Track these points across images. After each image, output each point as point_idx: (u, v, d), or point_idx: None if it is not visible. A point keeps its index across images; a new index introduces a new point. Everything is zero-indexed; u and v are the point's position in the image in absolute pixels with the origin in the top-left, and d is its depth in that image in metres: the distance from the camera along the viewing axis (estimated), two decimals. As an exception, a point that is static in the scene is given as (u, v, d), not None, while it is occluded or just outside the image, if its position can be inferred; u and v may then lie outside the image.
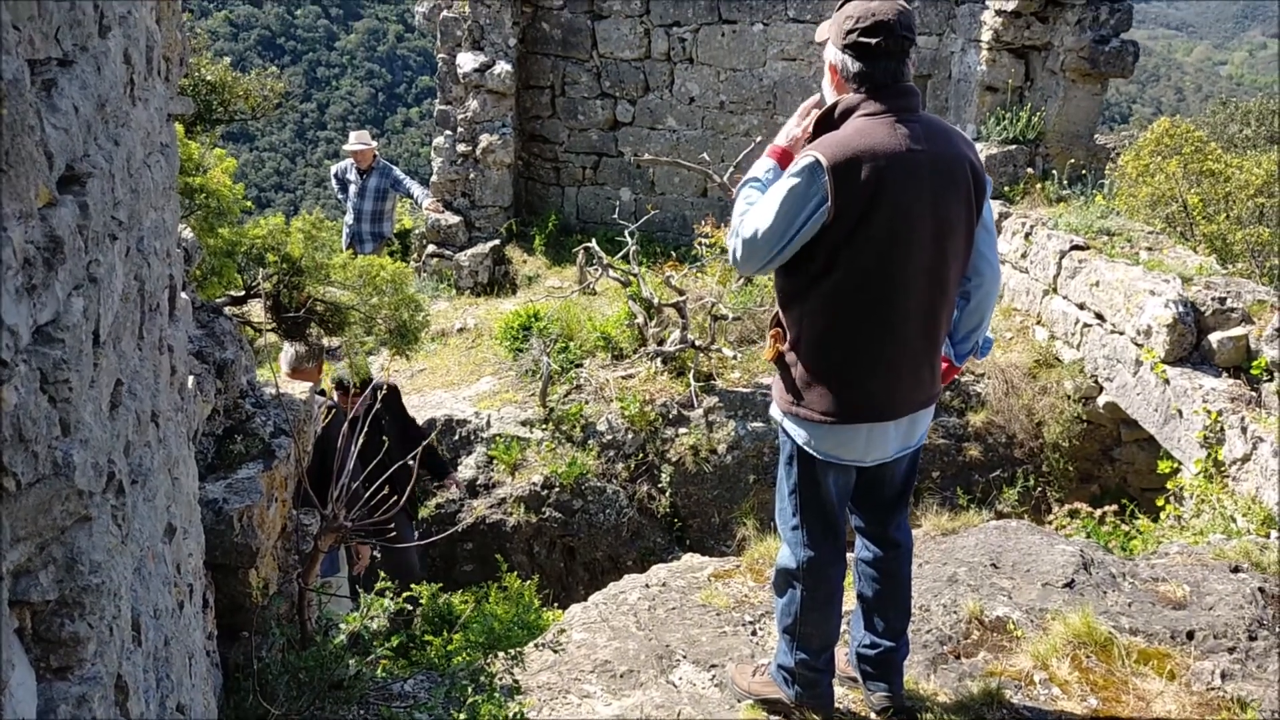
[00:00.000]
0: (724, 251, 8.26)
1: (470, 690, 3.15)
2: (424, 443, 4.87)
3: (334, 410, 5.27)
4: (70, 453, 1.36)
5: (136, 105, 2.13)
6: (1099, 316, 7.02)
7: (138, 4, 2.18)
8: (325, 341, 6.02)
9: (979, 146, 8.88)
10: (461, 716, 2.96)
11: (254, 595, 3.43)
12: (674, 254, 10.06)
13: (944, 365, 3.29)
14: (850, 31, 2.95)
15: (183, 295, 2.93)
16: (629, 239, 8.42)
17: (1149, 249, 7.24)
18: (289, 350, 5.67)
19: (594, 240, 9.14)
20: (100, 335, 1.60)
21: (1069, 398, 7.12)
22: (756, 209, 2.99)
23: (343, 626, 3.55)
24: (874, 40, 2.91)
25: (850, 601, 3.55)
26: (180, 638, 2.35)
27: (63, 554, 1.37)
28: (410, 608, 3.58)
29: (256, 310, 5.89)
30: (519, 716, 3.07)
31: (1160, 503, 6.14)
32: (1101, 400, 7.02)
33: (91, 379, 1.53)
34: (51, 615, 1.36)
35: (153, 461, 2.08)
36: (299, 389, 4.37)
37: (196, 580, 2.80)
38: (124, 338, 1.86)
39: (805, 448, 3.14)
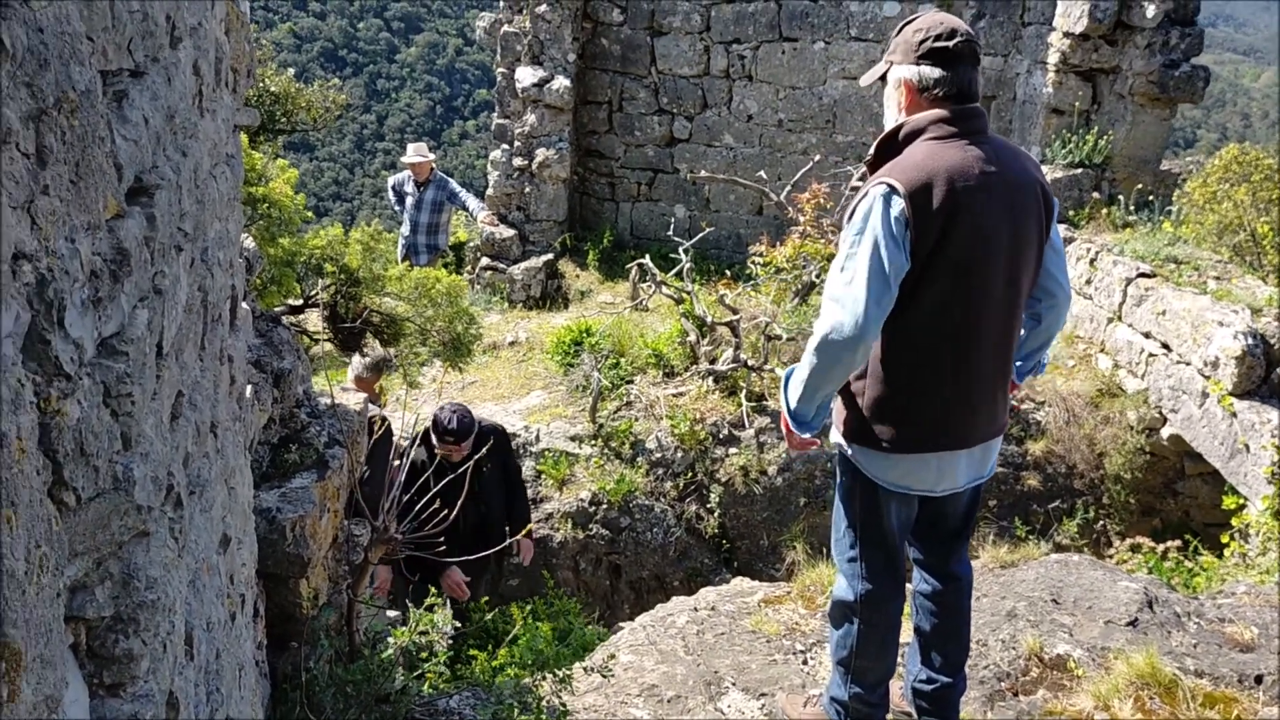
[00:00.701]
0: (789, 288, 8.20)
1: (517, 710, 3.11)
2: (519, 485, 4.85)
3: (385, 423, 5.25)
4: (131, 467, 1.34)
5: (204, 116, 2.14)
6: (1165, 346, 6.86)
7: (208, 15, 2.18)
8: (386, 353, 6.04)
9: (1043, 169, 8.74)
10: (508, 738, 2.91)
11: (304, 605, 3.42)
12: (728, 272, 10.00)
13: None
14: (924, 41, 2.89)
15: (243, 305, 2.94)
16: (683, 256, 8.38)
17: (1217, 278, 7.06)
18: (358, 360, 5.75)
19: (647, 256, 9.11)
20: (163, 347, 1.59)
21: (1132, 428, 6.96)
22: (848, 275, 2.81)
23: (391, 641, 3.53)
24: (951, 43, 2.86)
25: (907, 634, 3.47)
26: (231, 649, 2.34)
27: (119, 570, 1.35)
28: (459, 624, 3.56)
29: (313, 320, 5.93)
30: (566, 740, 3.03)
31: (1225, 539, 5.96)
32: (1165, 432, 6.85)
33: (154, 391, 1.52)
34: (106, 632, 1.34)
35: (210, 472, 2.07)
36: (354, 400, 4.38)
37: (248, 590, 2.79)
38: (186, 349, 1.85)
39: (872, 478, 3.06)
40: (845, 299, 2.77)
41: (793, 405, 2.99)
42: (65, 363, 1.15)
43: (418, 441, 5.05)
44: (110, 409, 1.29)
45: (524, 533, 5.68)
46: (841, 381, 2.92)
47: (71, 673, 1.25)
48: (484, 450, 4.56)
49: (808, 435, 3.02)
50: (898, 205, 2.77)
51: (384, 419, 5.09)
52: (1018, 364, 3.25)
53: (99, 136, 1.27)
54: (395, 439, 4.95)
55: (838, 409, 3.17)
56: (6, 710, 1.00)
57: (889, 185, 2.80)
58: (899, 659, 3.47)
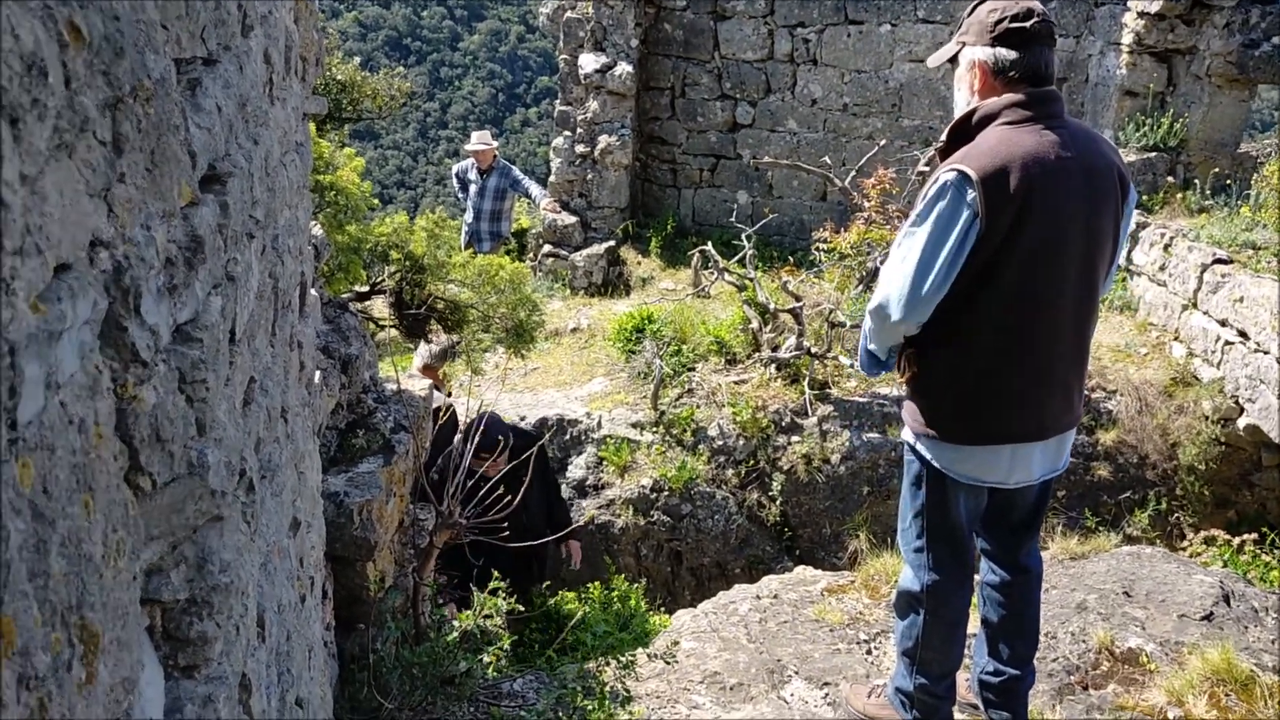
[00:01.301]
0: (853, 274, 8.11)
1: (580, 695, 3.12)
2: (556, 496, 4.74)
3: (451, 410, 5.27)
4: (205, 452, 1.35)
5: (275, 104, 2.16)
6: (1242, 334, 6.67)
7: (278, 4, 2.20)
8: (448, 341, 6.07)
9: (1115, 153, 8.54)
10: (571, 723, 2.93)
11: (370, 588, 3.46)
12: (791, 259, 9.92)
13: None
14: (999, 22, 2.82)
15: (312, 292, 2.97)
16: (745, 243, 8.33)
17: (1298, 264, 6.84)
18: (425, 348, 5.79)
19: (709, 243, 9.08)
20: (236, 334, 1.61)
21: (1207, 418, 6.78)
22: (902, 251, 2.83)
23: (455, 624, 3.56)
24: (1028, 24, 2.79)
25: (974, 625, 3.41)
26: (301, 631, 2.37)
27: (194, 553, 1.37)
28: (522, 608, 3.58)
29: (379, 305, 5.99)
30: (629, 726, 3.03)
31: (1304, 533, 5.79)
32: (1242, 422, 6.66)
33: (227, 378, 1.54)
34: (181, 614, 1.36)
35: (281, 457, 2.10)
36: (419, 386, 4.41)
37: (317, 573, 2.83)
38: (258, 335, 1.87)
39: (942, 470, 3.01)
40: (895, 278, 2.80)
41: (866, 345, 3.13)
42: (141, 349, 1.16)
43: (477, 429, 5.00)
44: (185, 395, 1.31)
45: (561, 532, 5.65)
46: (895, 341, 3.02)
47: (147, 655, 1.27)
48: (510, 454, 4.50)
49: (881, 373, 3.16)
50: (968, 193, 2.72)
51: (450, 407, 5.13)
52: None
53: (174, 124, 1.28)
54: (460, 426, 4.95)
55: (908, 402, 3.12)
56: (84, 691, 1.02)
57: (960, 172, 2.74)
58: (966, 651, 3.42)
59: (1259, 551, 5.65)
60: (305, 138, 2.76)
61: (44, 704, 0.93)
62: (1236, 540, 5.74)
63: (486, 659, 4.02)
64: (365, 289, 5.36)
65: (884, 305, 2.86)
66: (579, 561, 6.01)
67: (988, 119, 2.86)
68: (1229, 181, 8.29)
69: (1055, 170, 2.75)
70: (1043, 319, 2.85)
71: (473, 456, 4.99)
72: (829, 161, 9.91)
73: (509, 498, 3.81)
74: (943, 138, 2.98)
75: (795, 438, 7.19)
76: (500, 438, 4.92)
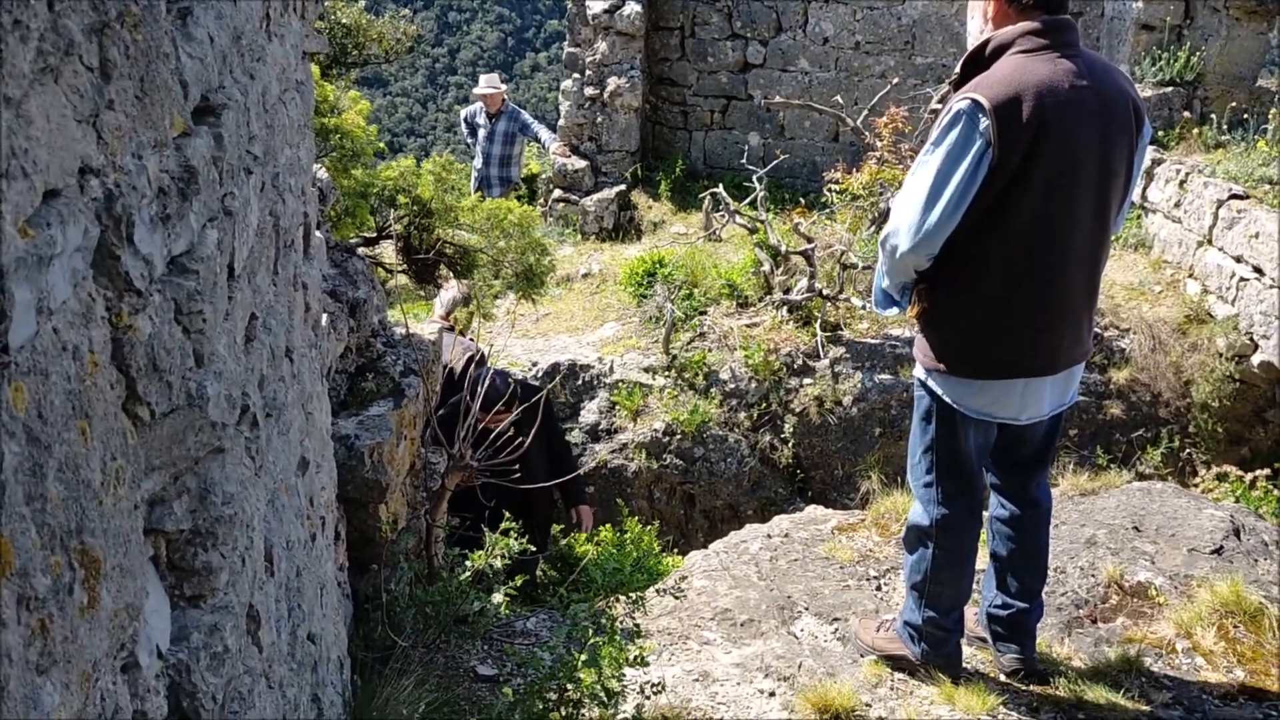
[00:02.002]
0: (865, 215, 8.05)
1: (591, 631, 3.15)
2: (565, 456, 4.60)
3: (481, 354, 5.18)
4: (204, 384, 1.36)
5: (272, 40, 2.13)
6: (1257, 270, 6.60)
7: (273, -63, 2.17)
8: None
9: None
10: (582, 656, 2.96)
11: (383, 530, 3.49)
12: (802, 201, 9.84)
13: None
14: None
15: (317, 234, 2.97)
16: (756, 185, 8.27)
17: (1316, 199, 6.75)
18: (445, 295, 5.63)
19: (720, 186, 9.01)
20: (235, 269, 1.61)
21: (1221, 355, 6.74)
22: (913, 182, 2.81)
23: (467, 564, 3.60)
24: None
25: (983, 560, 3.43)
26: (312, 568, 2.40)
27: (196, 484, 1.38)
28: (533, 549, 3.61)
29: (388, 251, 5.99)
30: (639, 659, 3.07)
31: (1317, 469, 5.78)
32: (1256, 359, 6.62)
33: (226, 312, 1.54)
34: (185, 545, 1.37)
35: (287, 396, 2.11)
36: (428, 330, 4.42)
37: (329, 513, 2.85)
38: (259, 272, 1.87)
39: (954, 405, 3.01)
40: (904, 209, 2.78)
41: (881, 284, 3.09)
42: (135, 279, 1.16)
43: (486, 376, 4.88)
44: (182, 326, 1.31)
45: (568, 492, 5.44)
46: (904, 278, 2.98)
47: (152, 584, 1.29)
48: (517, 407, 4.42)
49: (894, 311, 3.13)
50: (981, 122, 2.69)
51: (480, 352, 5.10)
52: None
53: (163, 53, 1.27)
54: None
55: (919, 337, 3.11)
56: (87, 616, 1.03)
57: (974, 100, 2.71)
58: (974, 585, 3.44)
59: (1271, 487, 5.65)
60: (306, 76, 2.74)
61: (45, 625, 0.94)
62: (1249, 476, 5.74)
63: (498, 598, 4.07)
64: (373, 234, 5.35)
65: (893, 236, 2.84)
66: (589, 527, 5.67)
67: (1002, 48, 2.81)
68: (1246, 116, 8.16)
69: (1069, 100, 2.71)
70: (1055, 251, 2.83)
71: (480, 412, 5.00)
72: (841, 101, 9.78)
73: (519, 440, 3.83)
74: (957, 69, 2.94)
75: (807, 380, 7.18)
76: (506, 391, 4.78)
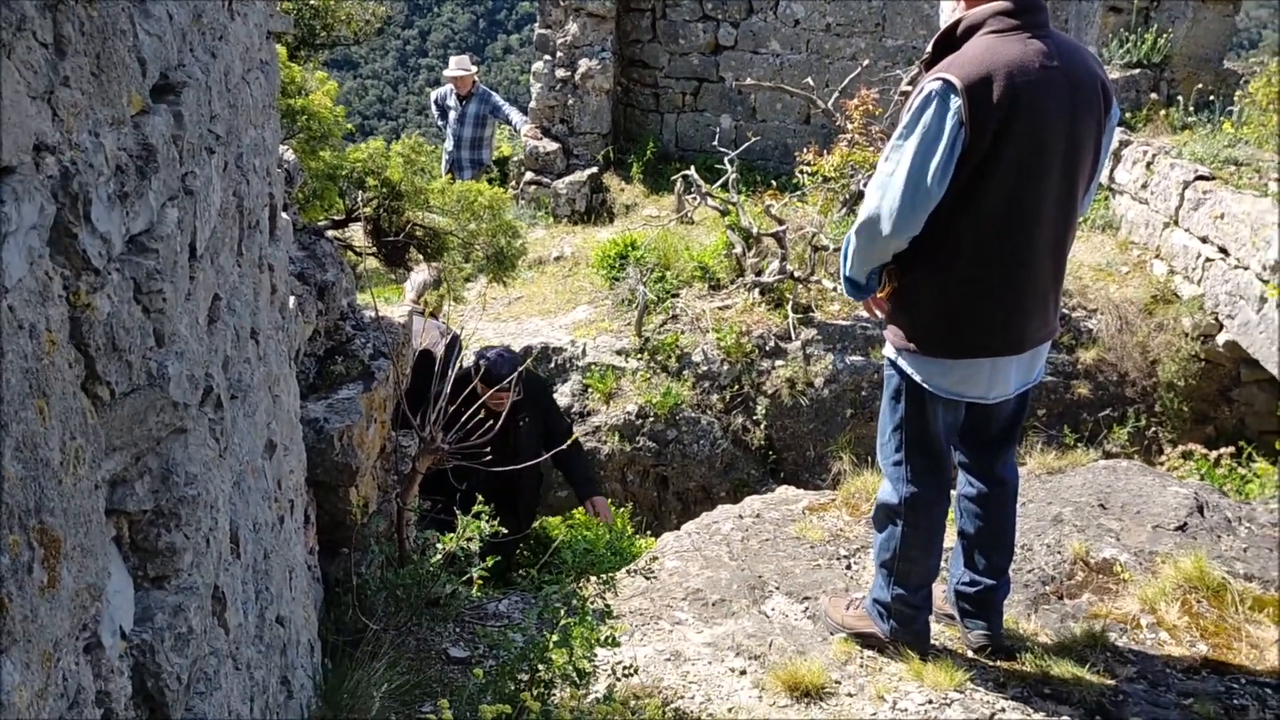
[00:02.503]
0: (837, 197, 8.07)
1: (563, 612, 3.16)
2: (567, 441, 4.59)
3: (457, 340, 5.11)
4: (165, 364, 1.35)
5: (235, 19, 2.11)
6: (1222, 251, 6.67)
7: (235, -85, 2.14)
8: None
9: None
10: (554, 637, 2.97)
11: (354, 513, 3.48)
12: (774, 183, 9.85)
13: None
14: None
15: (284, 215, 2.95)
16: (728, 167, 8.27)
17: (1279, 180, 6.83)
18: (416, 278, 5.58)
19: (693, 168, 9.00)
20: (197, 249, 1.59)
21: (1187, 335, 6.82)
22: (890, 165, 2.80)
23: (439, 547, 3.60)
24: None
25: (951, 538, 3.46)
26: (280, 551, 2.39)
27: (158, 465, 1.37)
28: (504, 531, 3.61)
29: (357, 234, 5.94)
30: (610, 640, 3.08)
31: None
32: (1221, 339, 6.70)
33: (188, 292, 1.53)
34: (148, 525, 1.37)
35: (253, 378, 2.10)
36: (397, 313, 4.40)
37: (298, 496, 2.84)
38: (222, 253, 1.86)
39: (923, 385, 3.03)
40: (884, 190, 2.79)
41: (846, 272, 3.08)
42: (93, 257, 1.15)
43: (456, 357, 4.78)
44: (142, 305, 1.30)
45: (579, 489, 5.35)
46: (880, 261, 2.97)
47: (115, 564, 1.28)
48: (514, 389, 4.34)
49: (864, 297, 3.13)
50: (954, 101, 2.70)
51: (456, 337, 5.06)
52: None
53: (120, 29, 1.26)
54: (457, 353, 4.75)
55: (888, 316, 3.13)
56: (47, 595, 1.03)
57: (945, 80, 2.72)
58: (943, 563, 3.47)
59: (1235, 465, 5.73)
60: (271, 57, 2.71)
61: (4, 604, 0.94)
62: (1214, 454, 5.82)
63: (474, 578, 4.07)
64: (342, 217, 5.31)
65: (874, 220, 2.84)
66: (609, 518, 5.43)
67: (973, 29, 2.83)
68: (1212, 98, 8.24)
69: (1040, 80, 2.73)
70: (1024, 232, 2.85)
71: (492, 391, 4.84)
72: (812, 83, 9.79)
73: (490, 422, 3.82)
74: (928, 49, 2.95)
75: (779, 362, 7.21)
76: (507, 372, 4.72)
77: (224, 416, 1.70)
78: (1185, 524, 4.12)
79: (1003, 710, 3.16)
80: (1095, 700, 3.19)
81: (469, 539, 3.64)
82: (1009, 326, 2.96)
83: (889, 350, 3.14)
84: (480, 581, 3.73)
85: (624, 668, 3.11)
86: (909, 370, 3.06)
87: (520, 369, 4.66)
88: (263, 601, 2.07)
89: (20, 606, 0.97)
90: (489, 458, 3.80)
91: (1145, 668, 3.38)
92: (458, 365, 3.95)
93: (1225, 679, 3.34)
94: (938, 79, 2.75)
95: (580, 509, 5.60)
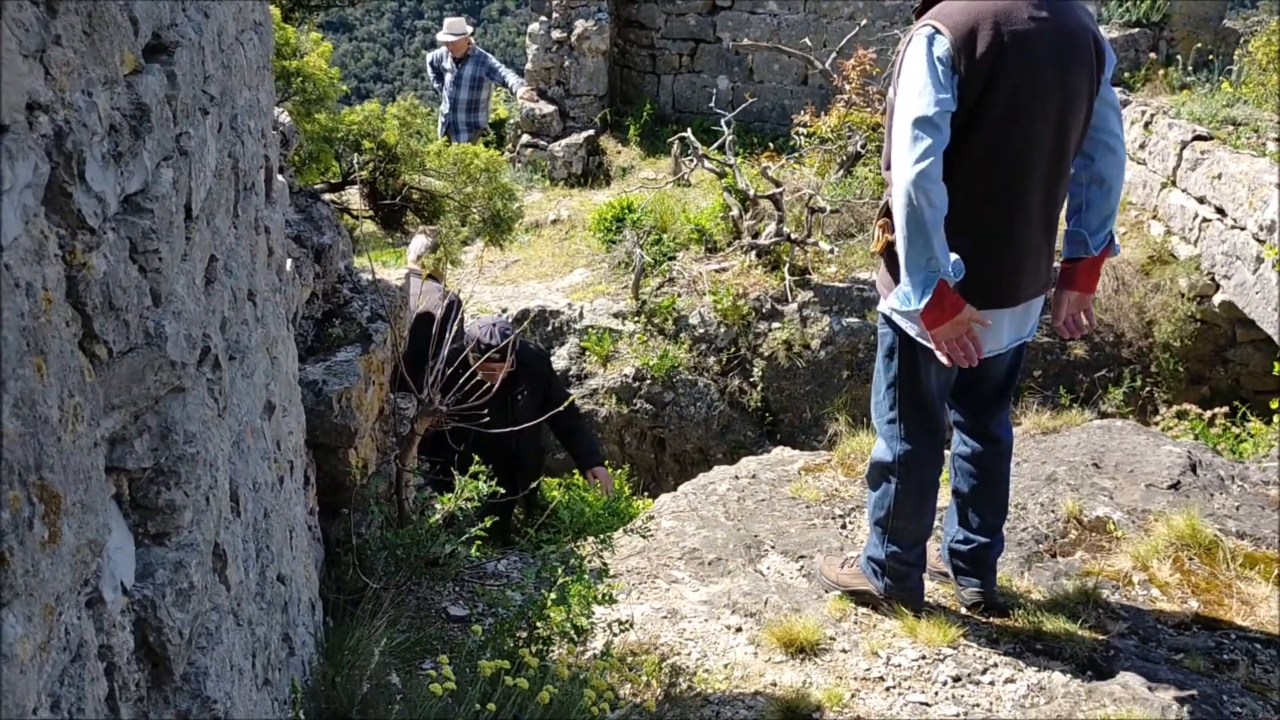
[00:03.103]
0: (834, 159, 8.03)
1: (560, 571, 3.20)
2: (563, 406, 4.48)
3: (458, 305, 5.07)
4: (162, 323, 1.36)
5: (226, -22, 2.10)
6: (1219, 211, 6.67)
7: (225, -127, 2.13)
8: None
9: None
10: (551, 595, 3.01)
11: (353, 474, 3.51)
12: (771, 144, 9.82)
13: (1086, 265, 3.05)
14: None
15: (279, 178, 2.94)
16: (725, 129, 8.23)
17: (1277, 140, 6.81)
18: (417, 241, 5.52)
19: (689, 130, 8.96)
20: (192, 209, 1.60)
21: (1183, 296, 6.83)
22: (898, 126, 2.76)
23: (438, 507, 3.62)
24: None
25: (945, 497, 3.49)
26: (281, 511, 2.42)
27: (157, 423, 1.39)
28: (502, 491, 3.63)
29: (354, 197, 5.94)
30: (607, 598, 3.12)
31: (1275, 405, 5.89)
32: (1217, 299, 6.71)
33: (184, 253, 1.53)
34: (148, 483, 1.38)
35: (250, 340, 2.11)
36: (394, 275, 4.40)
37: (297, 458, 2.86)
38: (218, 215, 1.86)
39: (918, 339, 3.03)
40: (899, 151, 2.73)
41: (912, 266, 2.79)
42: (88, 216, 1.16)
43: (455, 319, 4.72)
44: (138, 265, 1.31)
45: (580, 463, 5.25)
46: (936, 235, 2.73)
47: (115, 521, 1.30)
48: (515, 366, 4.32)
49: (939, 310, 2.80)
50: (941, 45, 2.69)
51: (456, 297, 5.04)
52: (1094, 235, 3.09)
53: (111, -12, 1.25)
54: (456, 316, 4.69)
55: (881, 272, 3.14)
56: (48, 550, 1.04)
57: (932, 27, 2.72)
58: (936, 521, 3.50)
59: (1230, 425, 5.76)
60: (265, 17, 2.70)
61: (5, 558, 0.96)
62: (1209, 414, 5.85)
63: (469, 541, 4.10)
64: (338, 180, 5.30)
65: (905, 190, 2.69)
66: (611, 488, 5.30)
67: None
68: (1211, 57, 8.20)
69: (1027, 32, 2.72)
70: (1014, 186, 2.85)
71: (481, 361, 4.57)
72: (809, 44, 9.73)
73: (488, 384, 3.83)
74: (918, 6, 2.94)
75: (776, 324, 7.22)
76: (506, 343, 4.69)
77: (222, 377, 1.72)
78: (1178, 482, 4.15)
79: (995, 665, 3.21)
80: (1086, 655, 3.23)
81: (467, 499, 3.67)
82: (1000, 279, 2.97)
83: (883, 306, 3.15)
84: (479, 542, 3.77)
85: (621, 625, 3.15)
86: (902, 324, 3.07)
87: (511, 337, 4.69)
88: (263, 560, 2.09)
89: (21, 561, 0.99)
90: (488, 428, 3.81)
91: (1136, 624, 3.42)
92: (455, 327, 3.95)
93: (1216, 634, 3.39)
94: (927, 25, 2.76)
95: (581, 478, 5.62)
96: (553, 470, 6.88)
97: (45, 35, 1.08)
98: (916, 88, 2.72)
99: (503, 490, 3.60)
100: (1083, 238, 3.06)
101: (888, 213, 2.99)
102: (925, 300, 2.75)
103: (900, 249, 2.78)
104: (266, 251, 2.51)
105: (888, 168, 3.03)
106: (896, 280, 3.02)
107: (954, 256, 2.76)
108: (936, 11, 2.77)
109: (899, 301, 2.84)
